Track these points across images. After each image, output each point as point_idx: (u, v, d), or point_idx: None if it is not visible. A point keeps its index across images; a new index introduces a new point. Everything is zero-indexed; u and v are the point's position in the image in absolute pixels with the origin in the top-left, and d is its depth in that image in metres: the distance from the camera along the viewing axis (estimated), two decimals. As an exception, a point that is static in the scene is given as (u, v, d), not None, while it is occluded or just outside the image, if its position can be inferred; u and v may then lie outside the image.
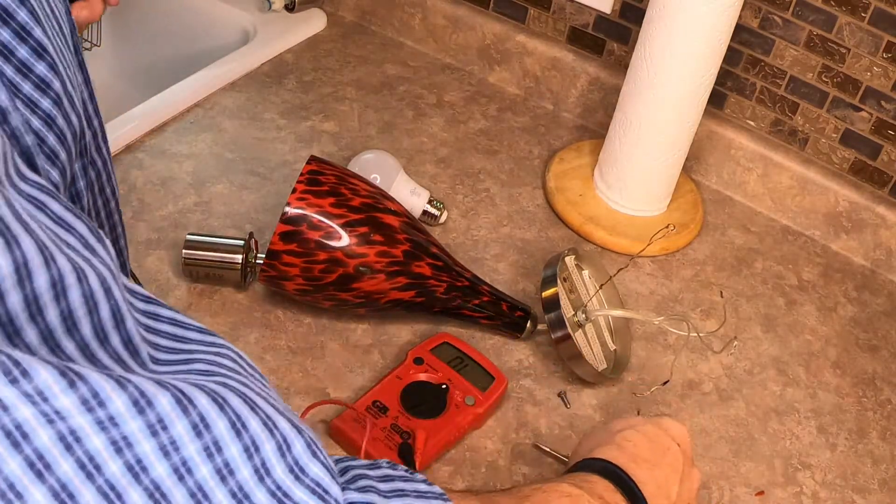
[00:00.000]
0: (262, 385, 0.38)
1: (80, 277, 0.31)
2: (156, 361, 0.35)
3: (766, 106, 1.06)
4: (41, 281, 0.29)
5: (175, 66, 1.17)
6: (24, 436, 0.27)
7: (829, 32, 0.97)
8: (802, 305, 0.97)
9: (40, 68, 0.38)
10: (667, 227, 0.93)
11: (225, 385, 0.34)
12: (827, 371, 0.90)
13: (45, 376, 0.28)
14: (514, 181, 1.05)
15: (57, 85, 0.38)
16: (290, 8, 1.22)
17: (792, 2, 0.97)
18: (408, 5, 1.22)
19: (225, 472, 0.32)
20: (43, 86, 0.38)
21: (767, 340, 0.92)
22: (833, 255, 1.05)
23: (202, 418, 0.32)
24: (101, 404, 0.29)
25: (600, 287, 0.87)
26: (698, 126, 0.98)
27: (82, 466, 0.29)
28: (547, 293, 0.82)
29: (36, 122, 0.37)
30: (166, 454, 0.31)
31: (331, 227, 0.78)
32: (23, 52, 0.37)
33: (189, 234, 0.85)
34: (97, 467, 0.29)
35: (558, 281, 0.82)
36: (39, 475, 0.28)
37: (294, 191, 0.78)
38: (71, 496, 0.28)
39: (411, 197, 0.95)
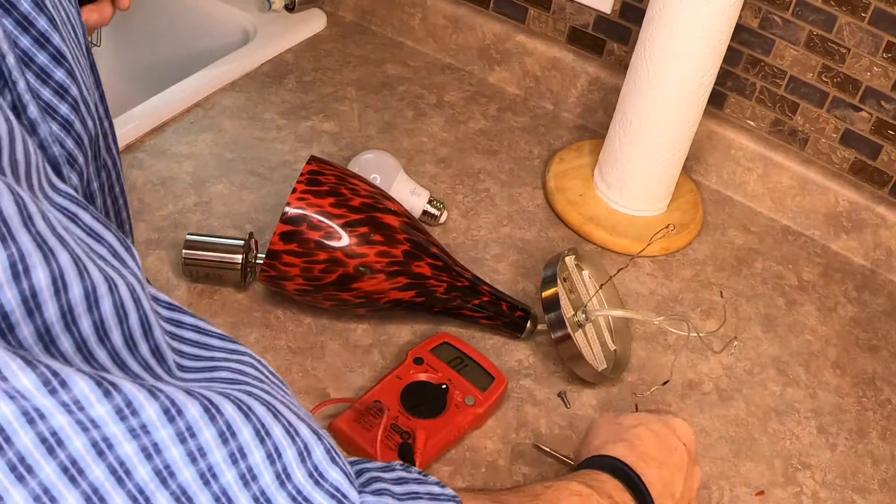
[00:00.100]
0: (284, 392, 0.39)
1: (112, 288, 0.32)
2: (181, 368, 0.36)
3: (766, 106, 1.06)
4: (76, 292, 0.31)
5: (175, 66, 1.17)
6: (59, 442, 0.29)
7: (829, 32, 0.97)
8: (802, 305, 0.97)
9: (59, 74, 0.39)
10: (667, 227, 0.93)
11: (249, 394, 0.35)
12: (827, 371, 0.91)
13: (81, 386, 0.29)
14: (514, 181, 1.05)
15: (74, 90, 0.39)
16: (290, 8, 1.22)
17: (792, 2, 0.97)
18: (408, 5, 1.22)
19: (248, 478, 0.33)
20: (62, 91, 0.39)
21: (767, 340, 0.92)
22: (833, 255, 1.05)
23: (229, 426, 0.33)
24: (135, 413, 0.30)
25: (600, 287, 0.87)
26: (698, 126, 0.98)
27: (113, 472, 0.30)
28: (547, 293, 0.82)
29: (55, 128, 0.38)
30: (193, 460, 0.32)
31: (331, 227, 0.78)
32: (42, 58, 0.38)
33: (189, 234, 0.85)
34: (127, 472, 0.30)
35: (558, 281, 0.82)
36: (73, 480, 0.29)
37: (294, 191, 0.78)
38: (102, 500, 0.30)
39: (411, 197, 0.95)
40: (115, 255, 0.35)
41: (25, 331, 0.29)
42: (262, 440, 0.34)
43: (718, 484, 0.78)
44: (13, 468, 0.28)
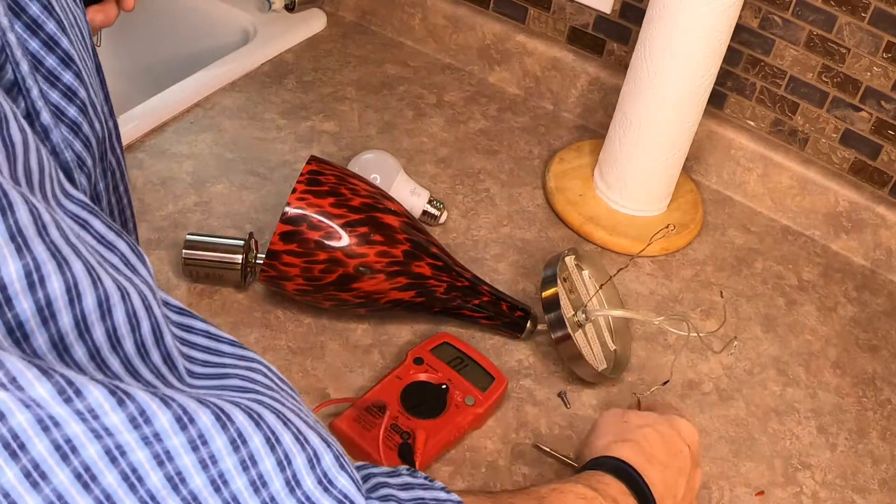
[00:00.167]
0: (293, 399, 0.39)
1: (124, 296, 0.33)
2: (192, 375, 0.37)
3: (766, 106, 1.06)
4: (89, 301, 0.31)
5: (175, 66, 1.17)
6: (73, 449, 0.29)
7: (829, 32, 0.97)
8: (802, 305, 0.97)
9: (67, 77, 0.39)
10: (667, 227, 0.93)
11: (260, 402, 0.36)
12: (827, 371, 0.91)
13: (96, 395, 0.30)
14: (514, 181, 1.05)
15: (82, 93, 0.40)
16: (290, 8, 1.22)
17: (792, 2, 0.97)
18: (408, 5, 1.22)
19: (258, 484, 0.34)
20: (70, 94, 0.40)
21: (767, 340, 0.92)
22: (833, 255, 1.05)
23: (240, 434, 0.33)
24: (148, 421, 0.31)
25: (600, 287, 0.87)
26: (698, 126, 0.98)
27: (125, 478, 0.30)
28: (547, 293, 0.82)
29: (63, 130, 0.38)
30: (205, 467, 0.32)
31: (331, 227, 0.78)
32: (51, 61, 0.39)
33: (189, 234, 0.85)
34: (139, 479, 0.31)
35: (558, 281, 0.82)
36: (86, 486, 0.30)
37: (294, 191, 0.78)
38: None
39: (411, 197, 0.95)
40: (127, 263, 0.35)
41: (40, 339, 0.30)
42: (272, 448, 0.34)
43: (718, 484, 0.78)
44: (27, 474, 0.29)
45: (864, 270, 1.04)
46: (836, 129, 1.02)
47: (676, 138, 0.96)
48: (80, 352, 0.31)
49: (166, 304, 0.37)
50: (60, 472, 0.29)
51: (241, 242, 0.84)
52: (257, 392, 0.37)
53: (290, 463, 0.35)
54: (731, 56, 1.01)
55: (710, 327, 0.92)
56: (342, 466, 0.37)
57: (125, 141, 0.99)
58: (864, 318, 0.97)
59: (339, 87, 1.15)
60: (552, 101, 1.18)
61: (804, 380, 0.89)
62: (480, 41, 1.19)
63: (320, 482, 0.36)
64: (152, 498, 0.31)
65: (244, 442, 0.34)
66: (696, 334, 0.84)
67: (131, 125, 1.01)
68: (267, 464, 0.34)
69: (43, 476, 0.29)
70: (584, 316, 0.85)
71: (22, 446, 0.28)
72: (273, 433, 0.35)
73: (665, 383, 0.84)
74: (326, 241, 0.78)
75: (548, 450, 0.77)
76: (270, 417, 0.35)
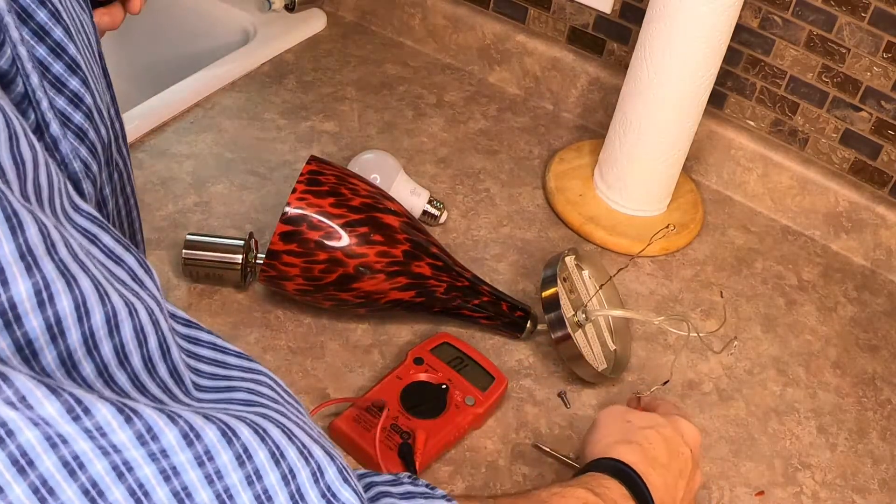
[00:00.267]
0: (298, 412, 0.39)
1: (131, 312, 0.33)
2: (199, 388, 0.37)
3: (766, 106, 1.06)
4: (97, 318, 0.32)
5: (175, 66, 1.17)
6: (81, 465, 0.30)
7: (829, 32, 0.97)
8: (802, 305, 0.97)
9: (74, 83, 0.40)
10: (667, 227, 0.93)
11: (265, 416, 0.36)
12: (827, 371, 0.91)
13: (104, 413, 0.30)
14: (514, 181, 1.05)
15: (88, 99, 0.40)
16: (290, 8, 1.22)
17: (792, 2, 0.97)
18: (408, 5, 1.22)
19: (263, 499, 0.34)
20: (76, 100, 0.40)
21: (767, 340, 0.92)
22: (833, 255, 1.05)
23: (245, 449, 0.34)
24: (155, 438, 0.31)
25: (600, 287, 0.87)
26: (698, 126, 0.98)
27: (132, 493, 0.31)
28: (547, 293, 0.82)
29: (70, 137, 0.39)
30: (211, 482, 0.33)
31: (331, 227, 0.78)
32: (58, 67, 0.39)
33: (189, 234, 0.85)
34: (146, 494, 0.31)
35: (558, 281, 0.82)
36: (93, 501, 0.30)
37: (294, 191, 0.78)
38: None
39: (411, 197, 0.95)
40: (135, 277, 0.35)
41: (49, 357, 0.30)
42: (277, 462, 0.35)
43: (718, 484, 0.78)
44: (36, 490, 0.29)
45: (864, 270, 1.04)
46: (836, 129, 1.02)
47: (676, 138, 0.96)
48: (88, 368, 0.32)
49: (173, 316, 0.38)
50: (68, 488, 0.29)
51: (241, 242, 0.84)
52: (263, 405, 0.38)
53: (294, 477, 0.35)
54: (731, 56, 1.01)
55: (710, 327, 0.92)
56: (345, 479, 0.37)
57: (125, 141, 0.99)
58: (864, 318, 0.97)
59: (339, 87, 1.15)
60: (552, 101, 1.18)
61: (804, 380, 0.89)
62: (480, 41, 1.19)
63: (324, 495, 0.36)
64: None
65: (249, 457, 0.34)
66: (696, 334, 0.84)
67: (131, 125, 1.00)
68: (272, 478, 0.35)
69: (51, 492, 0.29)
70: (584, 316, 0.85)
71: (30, 463, 0.29)
72: (278, 448, 0.35)
73: (665, 383, 0.84)
74: (326, 241, 0.78)
75: (548, 450, 0.77)
76: (275, 432, 0.36)
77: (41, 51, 0.38)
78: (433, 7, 1.20)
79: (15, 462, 0.29)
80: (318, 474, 0.36)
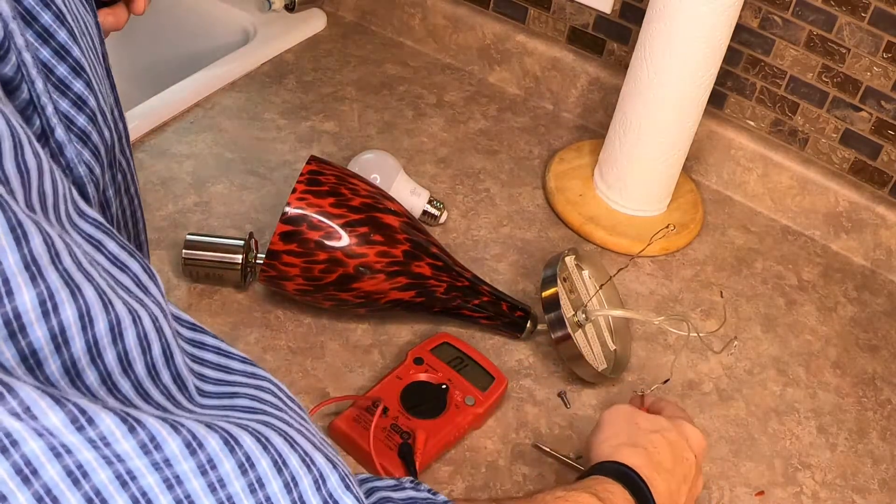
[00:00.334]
0: (301, 419, 0.40)
1: (135, 319, 0.33)
2: (202, 394, 0.37)
3: (766, 106, 1.06)
4: (101, 326, 0.32)
5: (175, 66, 1.17)
6: (85, 475, 0.30)
7: (829, 32, 0.97)
8: (802, 305, 0.97)
9: (78, 86, 0.40)
10: (667, 227, 0.93)
11: (268, 424, 0.37)
12: (827, 371, 0.91)
13: (108, 423, 0.30)
14: (514, 181, 1.05)
15: (92, 102, 0.40)
16: (290, 8, 1.22)
17: (792, 2, 0.97)
18: (408, 5, 1.22)
19: None
20: (80, 103, 0.40)
21: (767, 340, 0.92)
22: (833, 255, 1.05)
23: (248, 457, 0.34)
24: (158, 447, 0.31)
25: (600, 287, 0.87)
26: (698, 126, 0.98)
27: (136, 502, 0.31)
28: (547, 293, 0.82)
29: (73, 139, 0.39)
30: (213, 490, 0.33)
31: (331, 227, 0.78)
32: (62, 70, 0.39)
33: (189, 234, 0.85)
34: (149, 502, 0.31)
35: (558, 281, 0.82)
36: None
37: (294, 191, 0.78)
38: None
39: (411, 197, 0.95)
40: (139, 283, 0.36)
41: (53, 366, 0.30)
42: (279, 470, 0.35)
43: (718, 484, 0.78)
44: (40, 499, 0.29)
45: (864, 270, 1.04)
46: (836, 129, 1.02)
47: (676, 138, 0.96)
48: (91, 376, 0.32)
49: (178, 319, 0.38)
50: (72, 497, 0.30)
51: (241, 242, 0.84)
52: (266, 413, 0.38)
53: (296, 485, 0.36)
54: (731, 56, 1.01)
55: (710, 327, 0.92)
56: (347, 487, 0.38)
57: (125, 141, 0.99)
58: (864, 318, 0.97)
59: (339, 87, 1.15)
60: (552, 101, 1.18)
61: (804, 380, 0.89)
62: (480, 41, 1.19)
63: (326, 503, 0.36)
64: None
65: (252, 465, 0.34)
66: (696, 334, 0.84)
67: (131, 125, 1.00)
68: (274, 486, 0.35)
69: (55, 500, 0.29)
70: (584, 316, 0.85)
71: (34, 472, 0.29)
72: (280, 456, 0.35)
73: (666, 381, 0.84)
74: (326, 241, 0.78)
75: (548, 450, 0.77)
76: (278, 440, 0.36)
77: (45, 53, 0.38)
78: (433, 7, 1.20)
79: (19, 471, 0.29)
80: (320, 482, 0.37)
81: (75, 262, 0.31)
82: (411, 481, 0.47)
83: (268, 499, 0.34)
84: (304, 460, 0.36)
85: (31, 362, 0.30)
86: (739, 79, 1.06)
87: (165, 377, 0.35)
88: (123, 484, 0.31)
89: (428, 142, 1.09)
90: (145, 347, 0.34)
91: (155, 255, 0.87)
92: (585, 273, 0.90)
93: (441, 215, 0.96)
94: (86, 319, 0.31)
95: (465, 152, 1.08)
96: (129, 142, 0.50)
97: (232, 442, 0.34)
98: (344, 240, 0.78)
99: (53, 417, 0.29)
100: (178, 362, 0.36)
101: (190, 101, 1.07)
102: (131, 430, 0.31)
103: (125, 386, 0.33)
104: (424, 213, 0.95)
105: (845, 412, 0.87)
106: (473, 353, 0.81)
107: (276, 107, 1.09)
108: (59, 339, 0.30)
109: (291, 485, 0.35)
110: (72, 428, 0.29)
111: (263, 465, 0.35)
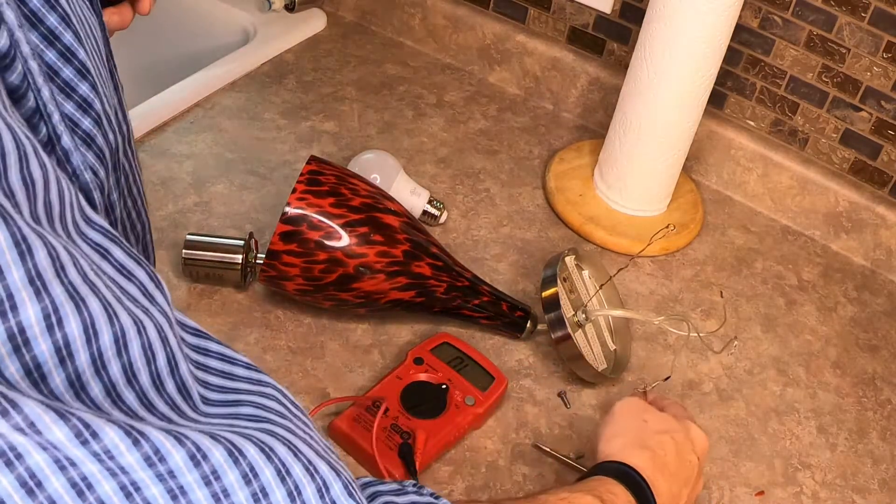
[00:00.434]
0: (305, 426, 0.40)
1: (140, 330, 0.33)
2: (206, 402, 0.37)
3: (766, 106, 1.06)
4: (105, 338, 0.32)
5: (175, 66, 1.17)
6: (89, 486, 0.30)
7: (829, 32, 0.97)
8: (802, 305, 0.97)
9: (83, 89, 0.40)
10: (667, 227, 0.93)
11: (271, 432, 0.37)
12: (827, 371, 0.91)
13: (112, 436, 0.30)
14: (514, 181, 1.05)
15: (97, 105, 0.40)
16: (290, 8, 1.22)
17: (792, 2, 0.97)
18: (408, 5, 1.22)
19: None
20: (85, 106, 0.40)
21: (767, 340, 0.92)
22: (833, 255, 1.05)
23: (251, 468, 0.34)
24: (162, 459, 0.31)
25: (600, 287, 0.87)
26: (698, 126, 0.98)
27: None
28: (547, 293, 0.82)
29: (78, 143, 0.39)
30: (217, 500, 0.33)
31: (331, 227, 0.78)
32: (67, 72, 0.39)
33: (189, 234, 0.85)
34: None
35: (558, 281, 0.82)
36: None
37: (294, 191, 0.78)
38: None
39: (411, 197, 0.95)
40: (145, 292, 0.35)
41: (57, 379, 0.30)
42: (282, 479, 0.35)
43: (718, 484, 0.78)
44: None
45: (864, 270, 1.04)
46: (836, 129, 1.02)
47: (676, 138, 0.96)
48: (96, 389, 0.32)
49: (183, 325, 0.38)
50: None
51: (241, 242, 0.84)
52: (269, 421, 0.38)
53: (300, 494, 0.36)
54: (731, 56, 1.01)
55: (710, 327, 0.92)
56: (350, 494, 0.38)
57: (125, 141, 0.99)
58: (864, 318, 0.97)
59: (339, 87, 1.15)
60: (552, 101, 1.18)
61: (804, 380, 0.89)
62: (480, 41, 1.19)
63: None
64: None
65: (256, 475, 0.34)
66: (696, 334, 0.84)
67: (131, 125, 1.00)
68: (278, 495, 0.35)
69: None
70: (584, 316, 0.85)
71: (39, 484, 0.29)
72: (284, 465, 0.35)
73: (666, 379, 0.84)
74: (326, 241, 0.78)
75: (548, 450, 0.77)
76: (281, 449, 0.36)
77: (51, 55, 0.38)
78: (433, 7, 1.20)
79: (24, 484, 0.29)
80: (323, 490, 0.37)
81: (80, 273, 0.31)
82: (414, 485, 0.47)
83: None
84: (307, 468, 0.36)
85: (36, 376, 0.30)
86: (739, 79, 1.06)
87: (170, 387, 0.35)
88: (128, 495, 0.31)
89: (428, 142, 1.09)
90: (150, 358, 0.34)
91: (155, 255, 0.87)
92: (585, 273, 0.90)
93: (441, 215, 0.96)
94: (90, 332, 0.31)
95: (465, 152, 1.08)
96: (133, 142, 0.50)
97: (236, 452, 0.34)
98: (344, 240, 0.78)
99: (58, 432, 0.29)
100: (182, 371, 0.36)
101: (190, 101, 1.07)
102: (135, 442, 0.31)
103: (129, 397, 0.33)
104: (424, 213, 0.95)
105: (845, 412, 0.87)
106: (473, 353, 0.81)
107: (276, 107, 1.09)
108: (64, 353, 0.30)
109: (294, 493, 0.35)
110: (76, 442, 0.29)
111: (267, 474, 0.35)
